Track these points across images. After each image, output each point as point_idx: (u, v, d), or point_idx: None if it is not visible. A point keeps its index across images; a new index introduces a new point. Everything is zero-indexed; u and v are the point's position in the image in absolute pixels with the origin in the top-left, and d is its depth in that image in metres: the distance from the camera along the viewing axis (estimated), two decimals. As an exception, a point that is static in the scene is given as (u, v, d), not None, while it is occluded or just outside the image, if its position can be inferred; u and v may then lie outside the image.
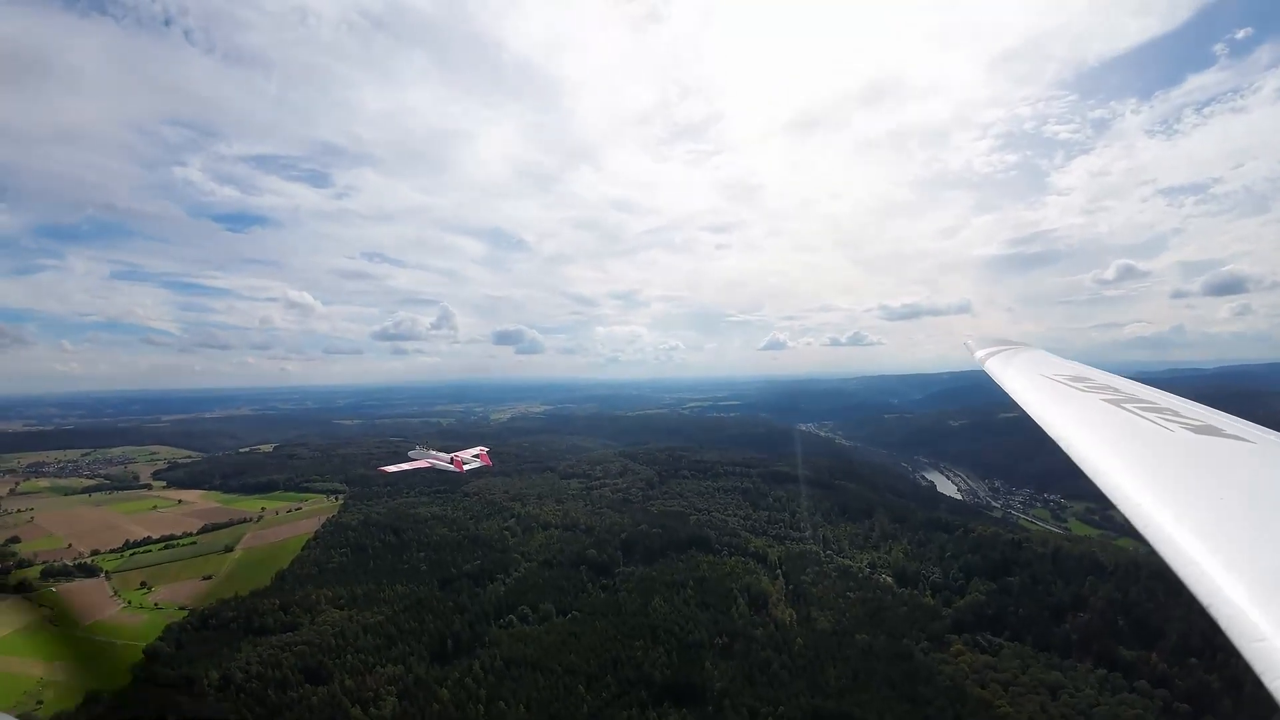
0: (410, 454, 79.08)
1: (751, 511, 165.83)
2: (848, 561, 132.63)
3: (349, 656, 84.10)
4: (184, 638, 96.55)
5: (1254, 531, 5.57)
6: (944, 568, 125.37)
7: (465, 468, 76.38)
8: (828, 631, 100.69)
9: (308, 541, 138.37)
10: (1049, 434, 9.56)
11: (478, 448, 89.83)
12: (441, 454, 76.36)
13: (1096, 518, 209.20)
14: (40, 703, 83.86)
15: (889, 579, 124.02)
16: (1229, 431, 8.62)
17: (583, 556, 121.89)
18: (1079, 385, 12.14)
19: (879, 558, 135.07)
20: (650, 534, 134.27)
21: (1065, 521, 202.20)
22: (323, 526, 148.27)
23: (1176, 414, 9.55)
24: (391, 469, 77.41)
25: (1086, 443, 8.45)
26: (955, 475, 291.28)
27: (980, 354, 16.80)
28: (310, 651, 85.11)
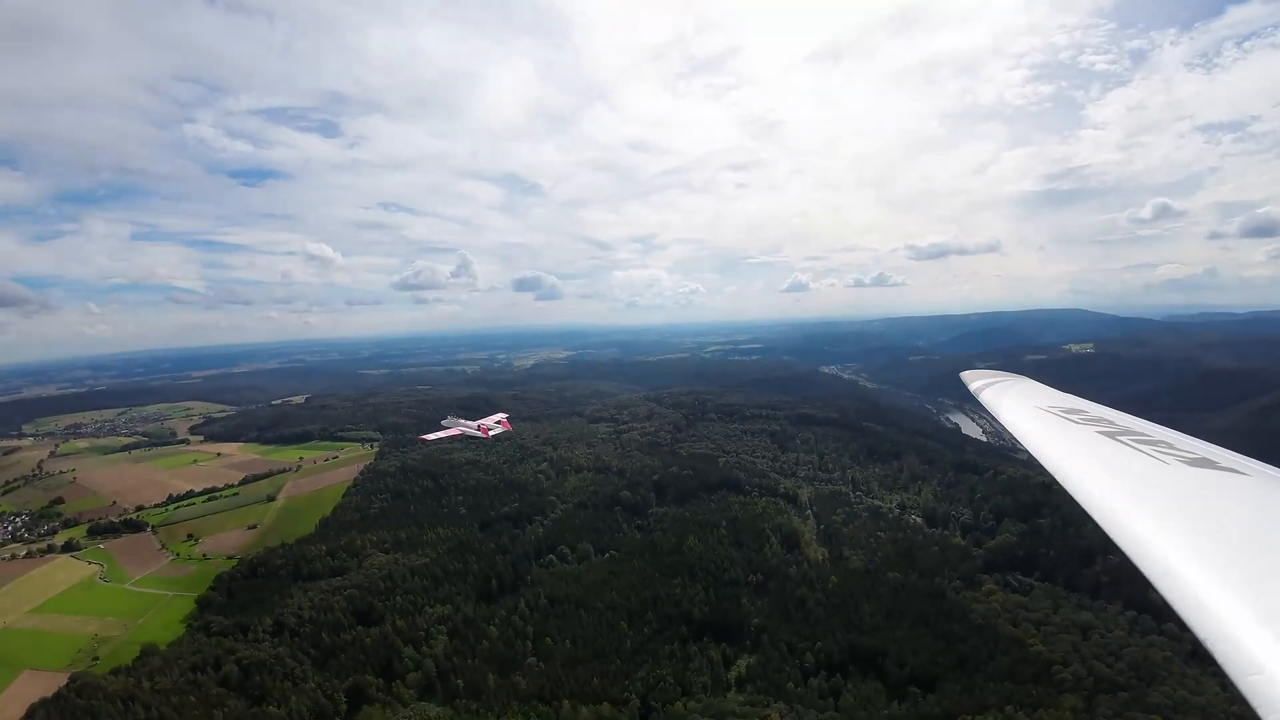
0: (443, 423, 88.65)
1: (780, 454, 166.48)
2: (877, 502, 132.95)
3: (398, 598, 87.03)
4: (235, 586, 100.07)
5: (1250, 564, 5.62)
6: (974, 509, 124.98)
7: (490, 433, 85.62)
8: (860, 570, 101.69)
9: (348, 489, 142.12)
10: (1044, 466, 9.84)
11: (499, 414, 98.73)
12: (470, 423, 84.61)
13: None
14: (96, 659, 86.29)
15: (919, 519, 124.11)
16: (1224, 464, 8.69)
17: (616, 498, 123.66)
18: (1074, 418, 12.30)
19: (908, 499, 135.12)
20: (681, 476, 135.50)
21: None
22: (361, 474, 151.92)
23: (1171, 447, 9.63)
24: (430, 437, 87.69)
25: (1082, 476, 8.62)
26: (980, 418, 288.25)
27: (975, 385, 17.03)
28: (360, 594, 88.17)
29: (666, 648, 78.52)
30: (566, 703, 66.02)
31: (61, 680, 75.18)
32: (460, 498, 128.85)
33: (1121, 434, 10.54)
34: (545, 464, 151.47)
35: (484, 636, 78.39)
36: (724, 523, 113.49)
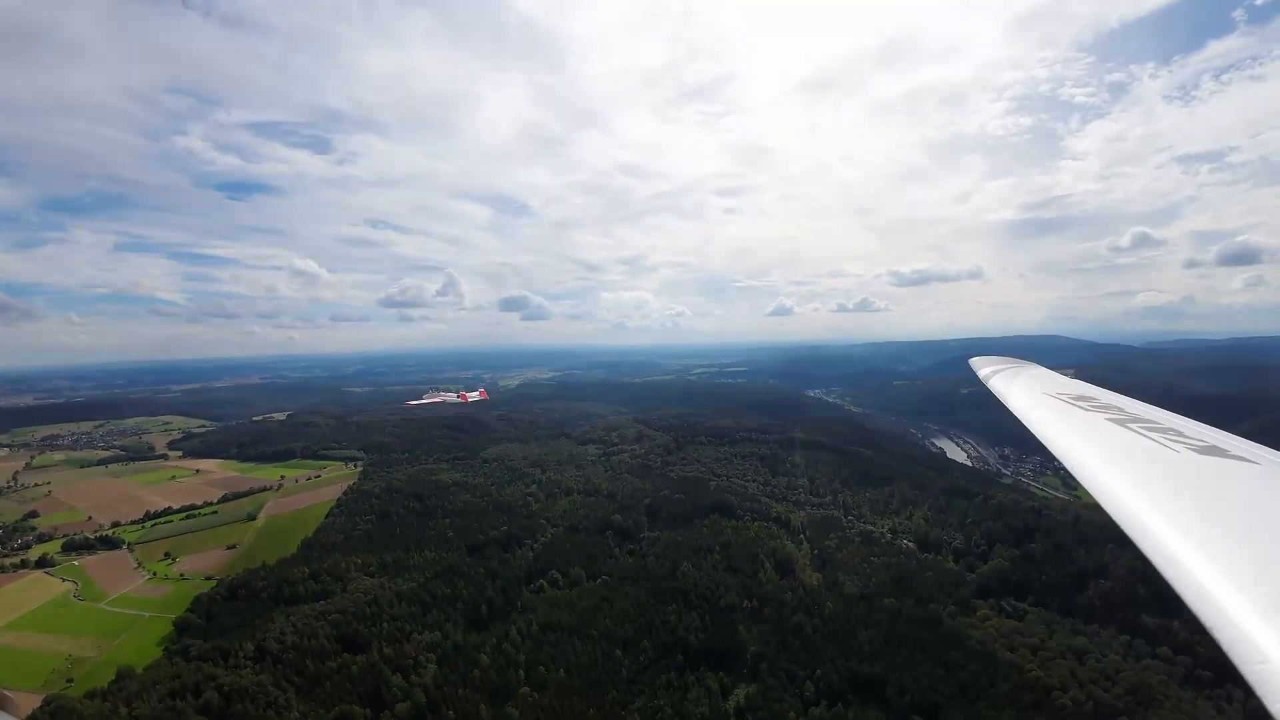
0: (425, 394, 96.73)
1: (770, 477, 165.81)
2: (870, 527, 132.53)
3: (385, 624, 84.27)
4: (214, 609, 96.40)
5: (1258, 553, 5.59)
6: (966, 534, 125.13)
7: (469, 398, 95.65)
8: (856, 596, 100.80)
9: (331, 509, 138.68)
10: (1053, 452, 9.78)
11: (478, 388, 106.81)
12: (450, 393, 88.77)
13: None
14: (70, 680, 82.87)
15: (911, 545, 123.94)
16: (1234, 452, 8.63)
17: (608, 522, 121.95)
18: (1083, 404, 12.22)
19: (900, 524, 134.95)
20: (673, 499, 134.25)
21: (1075, 490, 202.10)
22: (345, 494, 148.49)
23: (1181, 434, 9.58)
24: (414, 403, 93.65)
25: (1091, 462, 8.66)
26: (965, 442, 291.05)
27: (984, 371, 17.12)
28: (345, 620, 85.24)
29: (663, 676, 76.66)
30: (563, 735, 63.81)
31: (34, 701, 72.14)
32: (448, 520, 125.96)
33: (1131, 421, 10.46)
34: (534, 486, 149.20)
35: (475, 665, 75.89)
36: (718, 548, 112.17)
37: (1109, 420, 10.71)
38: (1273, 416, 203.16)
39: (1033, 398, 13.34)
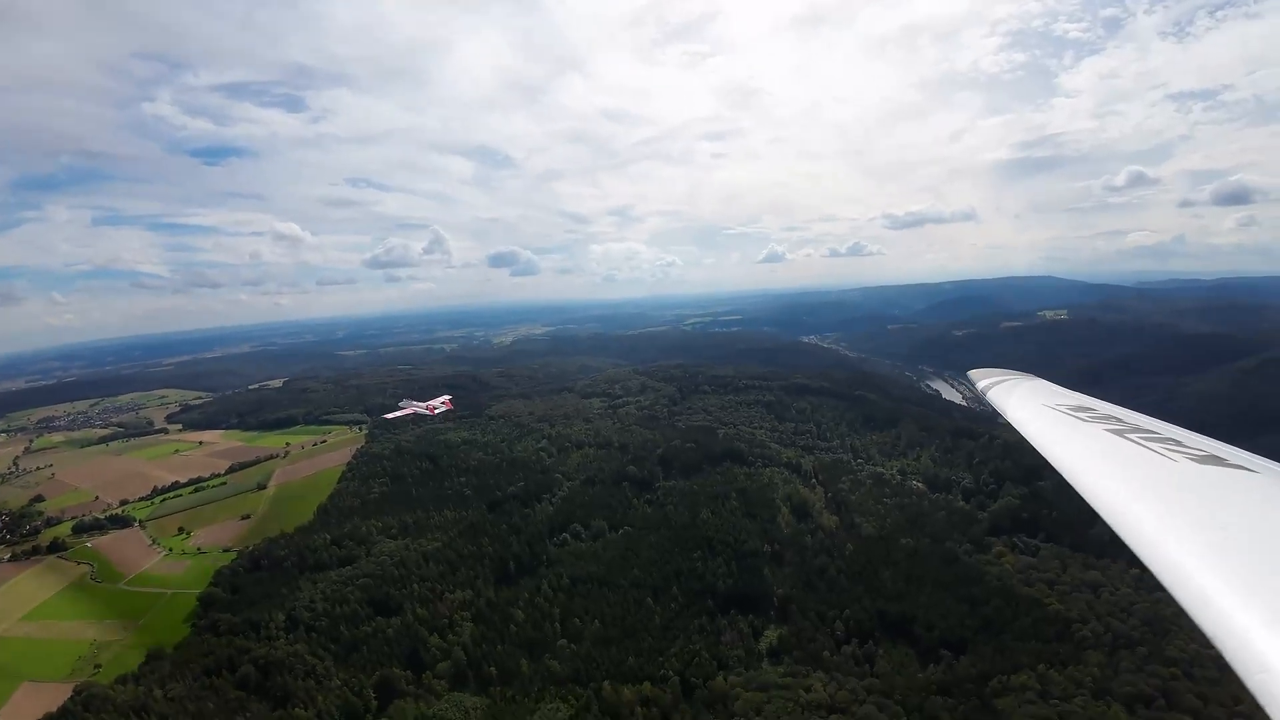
0: (400, 404, 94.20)
1: (777, 424, 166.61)
2: (879, 469, 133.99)
3: (415, 585, 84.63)
4: (237, 581, 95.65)
5: (1258, 561, 5.57)
6: (974, 473, 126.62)
7: (435, 411, 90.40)
8: (873, 537, 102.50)
9: (343, 474, 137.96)
10: (1053, 464, 9.73)
11: (445, 395, 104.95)
12: (419, 403, 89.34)
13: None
14: (99, 666, 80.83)
15: (920, 485, 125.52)
16: (1232, 461, 8.67)
17: (623, 473, 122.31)
18: (1081, 415, 12.30)
19: (908, 465, 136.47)
20: (684, 449, 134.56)
21: None
22: (354, 458, 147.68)
23: (1179, 444, 9.60)
24: (391, 416, 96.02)
25: (1090, 473, 8.65)
26: (960, 385, 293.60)
27: (983, 384, 17.05)
28: (374, 584, 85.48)
29: (695, 622, 78.05)
30: (606, 684, 64.97)
31: (64, 692, 71.38)
32: (463, 479, 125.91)
33: (1130, 431, 10.52)
34: (545, 441, 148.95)
35: (510, 620, 76.74)
36: (734, 494, 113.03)
37: (1107, 431, 10.78)
38: (1266, 354, 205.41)
39: (1031, 409, 13.42)
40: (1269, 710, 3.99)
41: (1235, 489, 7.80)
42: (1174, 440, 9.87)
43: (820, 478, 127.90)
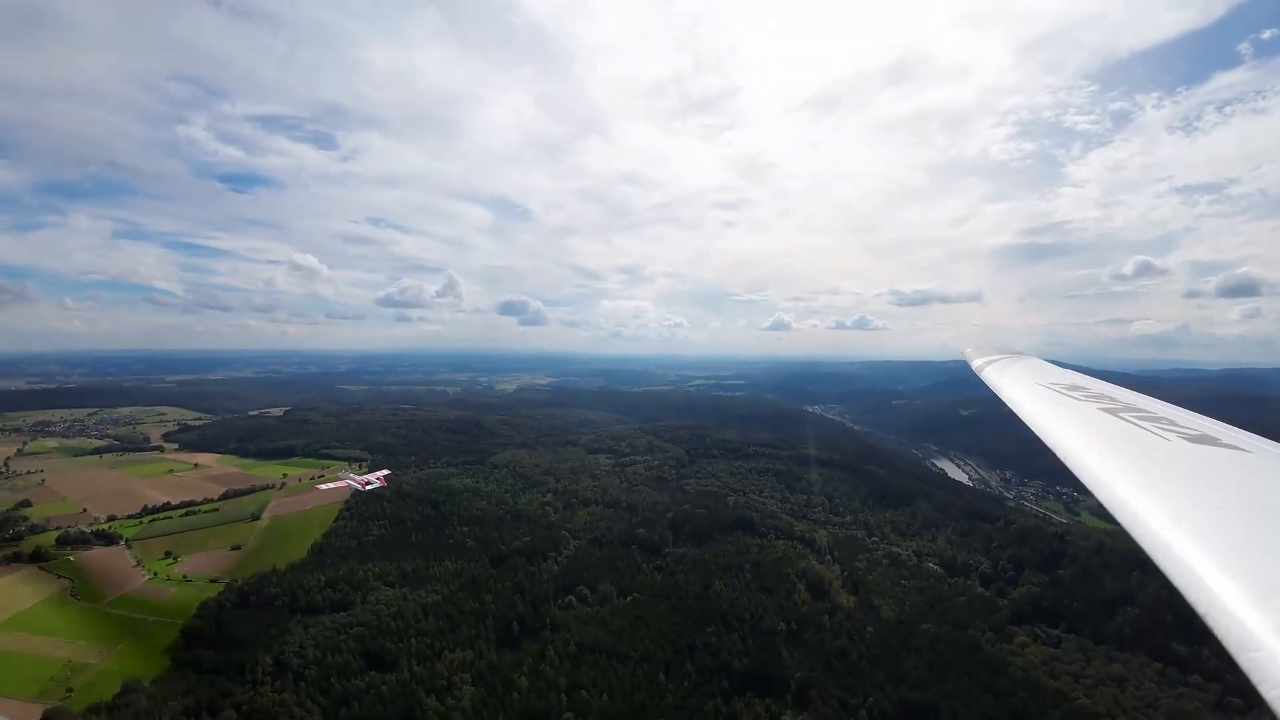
0: (340, 475, 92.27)
1: (787, 494, 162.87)
2: (895, 549, 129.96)
3: (412, 640, 79.63)
4: (224, 616, 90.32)
5: (1251, 540, 5.56)
6: (992, 558, 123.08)
7: (368, 487, 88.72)
8: (893, 620, 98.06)
9: (340, 511, 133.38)
10: (1046, 442, 9.64)
11: (382, 471, 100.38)
12: (357, 478, 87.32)
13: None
14: (70, 690, 75.55)
15: (937, 568, 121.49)
16: (1226, 441, 8.66)
17: (632, 535, 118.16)
18: (1076, 394, 12.25)
19: (923, 546, 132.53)
20: (695, 515, 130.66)
21: (1077, 514, 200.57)
22: (353, 496, 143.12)
23: (1173, 423, 9.60)
24: (324, 487, 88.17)
25: (1084, 451, 8.58)
26: (965, 464, 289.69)
27: (978, 362, 17.12)
28: (369, 634, 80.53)
29: (710, 703, 72.84)
30: (617, 767, 59.77)
31: (32, 713, 66.80)
32: (465, 528, 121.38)
33: (1124, 410, 10.47)
34: (550, 495, 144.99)
35: (513, 687, 71.56)
36: (747, 566, 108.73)
37: (1101, 410, 10.67)
38: None
39: (1025, 388, 13.26)
40: (1261, 688, 3.92)
41: (1228, 468, 7.78)
42: (1168, 419, 9.89)
43: (835, 554, 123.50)
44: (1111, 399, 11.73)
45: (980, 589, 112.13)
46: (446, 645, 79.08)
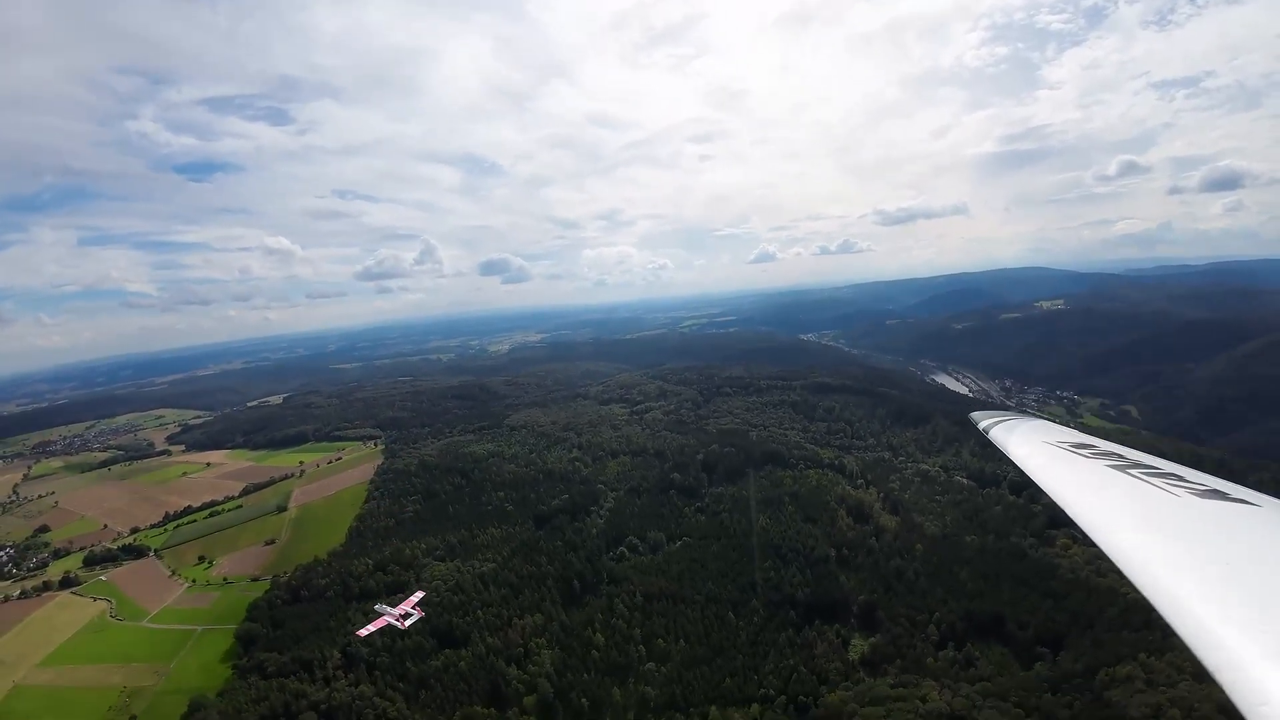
0: (376, 608, 73.56)
1: (807, 424, 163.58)
2: (924, 466, 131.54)
3: (479, 612, 79.45)
4: (277, 614, 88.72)
5: (1261, 595, 5.59)
6: (1017, 466, 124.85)
7: (407, 623, 70.04)
8: (938, 536, 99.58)
9: (369, 492, 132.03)
10: (1054, 499, 9.82)
11: (417, 595, 75.73)
12: (393, 610, 69.56)
13: (1112, 413, 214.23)
14: (134, 718, 73.25)
15: (967, 480, 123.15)
16: (1234, 495, 8.73)
17: (668, 481, 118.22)
18: (1083, 452, 12.39)
19: (949, 460, 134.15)
20: (724, 454, 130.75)
21: (1080, 417, 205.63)
22: (377, 474, 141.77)
23: (1181, 479, 9.66)
24: (364, 633, 70.15)
25: (1093, 509, 8.71)
26: (964, 377, 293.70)
27: (984, 423, 17.43)
28: (434, 612, 79.85)
29: (783, 635, 74.12)
30: (713, 709, 60.66)
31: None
32: (501, 494, 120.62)
33: (1131, 467, 10.61)
34: (576, 451, 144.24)
35: (590, 645, 71.95)
36: (787, 498, 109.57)
37: (1109, 467, 10.82)
38: (1269, 338, 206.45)
39: (1032, 446, 13.60)
40: None
41: (1238, 523, 7.83)
42: (1175, 475, 9.93)
43: (868, 478, 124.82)
44: (1119, 456, 11.72)
45: (1012, 497, 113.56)
46: (514, 612, 79.15)
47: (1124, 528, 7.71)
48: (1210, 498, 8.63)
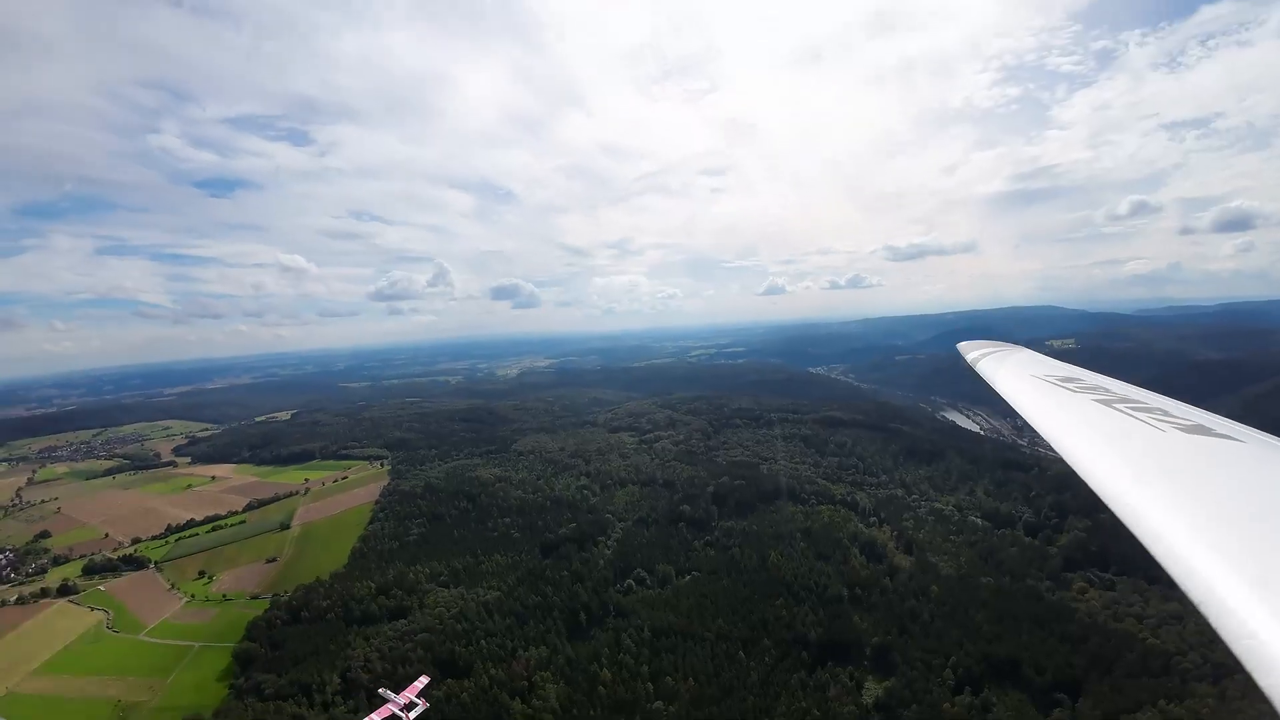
0: (379, 691, 64.99)
1: (819, 458, 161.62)
2: (937, 505, 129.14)
3: (482, 642, 77.45)
4: (276, 635, 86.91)
5: (1245, 530, 5.61)
6: (1034, 507, 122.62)
7: (411, 715, 62.95)
8: (954, 577, 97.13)
9: (374, 513, 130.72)
10: (1040, 433, 10.01)
11: (422, 680, 68.96)
12: (395, 697, 62.52)
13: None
14: None
15: (981, 520, 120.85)
16: (1219, 431, 8.77)
17: (677, 513, 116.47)
18: (1070, 386, 12.32)
19: (963, 500, 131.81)
20: (735, 487, 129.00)
21: None
22: (383, 495, 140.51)
23: (1167, 414, 9.67)
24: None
25: (1078, 443, 8.70)
26: (975, 414, 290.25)
27: (971, 355, 17.20)
28: (436, 640, 78.19)
29: (794, 676, 71.76)
30: (723, 753, 58.35)
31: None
32: (507, 519, 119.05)
33: (1118, 401, 10.52)
34: (584, 478, 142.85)
35: (597, 680, 69.82)
36: (799, 535, 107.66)
37: (1096, 401, 10.75)
38: (1276, 381, 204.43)
39: (1020, 380, 13.45)
40: (1256, 676, 3.96)
41: (1222, 458, 7.80)
42: (1162, 410, 9.91)
43: (881, 515, 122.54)
44: (1106, 390, 11.72)
45: (1028, 538, 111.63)
46: (518, 643, 77.13)
47: (1109, 463, 7.61)
48: (1195, 433, 8.64)
